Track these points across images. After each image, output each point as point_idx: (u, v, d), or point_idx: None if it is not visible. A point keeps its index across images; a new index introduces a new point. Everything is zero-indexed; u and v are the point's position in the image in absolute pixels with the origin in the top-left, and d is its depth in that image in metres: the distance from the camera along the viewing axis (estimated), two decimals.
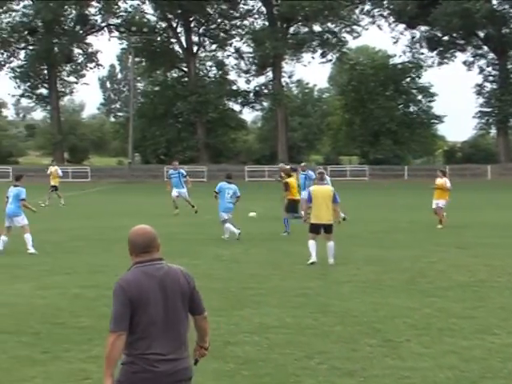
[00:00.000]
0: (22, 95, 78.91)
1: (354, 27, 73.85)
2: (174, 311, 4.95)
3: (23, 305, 11.44)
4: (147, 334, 4.86)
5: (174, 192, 28.83)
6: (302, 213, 15.84)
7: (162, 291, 4.91)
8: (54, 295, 12.29)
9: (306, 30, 74.67)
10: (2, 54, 75.62)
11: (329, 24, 73.92)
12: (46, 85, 77.61)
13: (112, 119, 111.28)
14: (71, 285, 13.27)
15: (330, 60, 76.52)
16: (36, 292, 12.56)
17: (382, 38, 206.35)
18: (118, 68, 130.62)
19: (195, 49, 76.16)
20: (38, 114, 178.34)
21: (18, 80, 76.43)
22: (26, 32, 74.82)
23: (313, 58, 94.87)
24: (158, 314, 4.89)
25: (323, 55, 75.23)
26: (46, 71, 76.85)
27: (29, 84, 77.17)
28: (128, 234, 5.02)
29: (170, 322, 4.93)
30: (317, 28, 74.53)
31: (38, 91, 78.59)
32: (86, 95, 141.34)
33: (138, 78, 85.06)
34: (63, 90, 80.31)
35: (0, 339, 9.41)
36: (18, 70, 76.13)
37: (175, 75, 79.66)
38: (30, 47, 76.03)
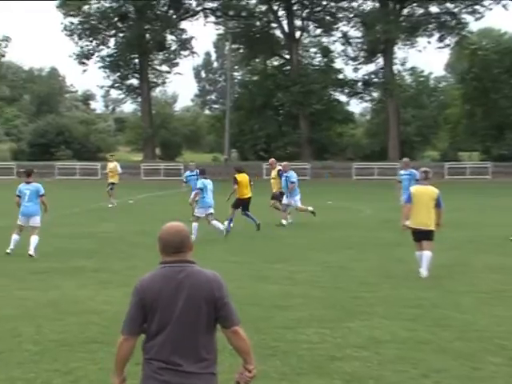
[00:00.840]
0: (112, 86, 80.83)
1: (476, 7, 72.31)
2: (190, 318, 4.96)
3: (113, 312, 11.70)
4: (156, 339, 4.96)
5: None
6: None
7: (179, 295, 4.96)
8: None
9: (422, 11, 73.61)
10: (91, 41, 77.71)
11: (447, 4, 72.67)
12: (136, 75, 79.24)
13: (207, 112, 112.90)
14: None
15: (448, 45, 75.26)
16: (126, 299, 12.76)
17: (509, 18, 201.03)
18: (213, 56, 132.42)
19: (298, 34, 76.18)
20: (128, 107, 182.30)
21: (107, 70, 78.38)
22: (116, 18, 76.68)
23: (429, 42, 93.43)
24: (169, 319, 4.95)
25: (441, 39, 74.04)
26: (136, 60, 78.50)
27: (119, 74, 78.97)
28: (159, 231, 5.19)
29: (184, 330, 4.95)
30: (434, 9, 73.42)
31: (129, 82, 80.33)
32: (179, 86, 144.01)
33: (236, 67, 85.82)
34: (155, 80, 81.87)
35: (89, 349, 9.67)
36: (108, 59, 78.05)
37: (276, 63, 79.96)
38: (121, 34, 77.81)
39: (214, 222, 21.75)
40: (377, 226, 25.12)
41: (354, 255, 18.48)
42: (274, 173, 26.94)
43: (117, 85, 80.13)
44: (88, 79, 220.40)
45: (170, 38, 78.97)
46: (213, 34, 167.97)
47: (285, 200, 25.21)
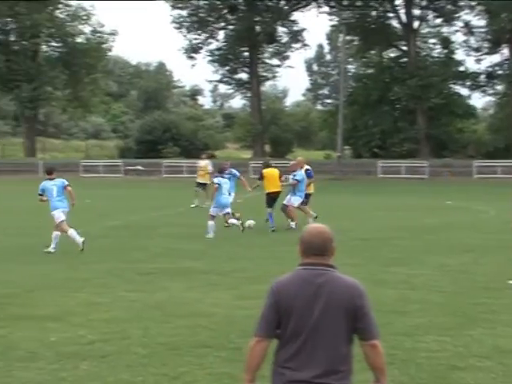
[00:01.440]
0: (220, 81, 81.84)
1: None
2: (327, 327, 4.90)
3: (222, 316, 11.83)
4: (289, 346, 4.92)
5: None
6: None
7: (317, 301, 4.91)
8: (256, 306, 12.57)
9: None
10: (200, 35, 78.84)
11: None
12: (246, 69, 79.93)
13: (319, 107, 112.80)
14: None
15: None
16: (236, 302, 12.94)
17: None
18: (326, 48, 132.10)
19: (416, 24, 75.22)
20: (237, 102, 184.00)
21: (216, 64, 79.39)
22: (225, 10, 77.52)
23: None
24: (305, 325, 4.90)
25: None
26: (246, 53, 79.14)
27: (227, 68, 79.86)
28: (302, 232, 5.13)
29: (320, 339, 4.89)
30: None
31: (238, 76, 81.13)
32: (290, 80, 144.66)
33: (350, 60, 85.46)
34: (265, 74, 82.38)
35: (197, 353, 9.79)
36: (217, 52, 79.02)
37: (392, 55, 79.27)
38: (230, 27, 78.61)
39: (231, 221, 22.86)
40: (500, 227, 24.55)
41: (475, 258, 18.13)
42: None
43: (225, 79, 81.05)
44: (196, 74, 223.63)
45: (280, 29, 79.41)
46: (326, 25, 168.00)
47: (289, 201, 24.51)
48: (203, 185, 33.88)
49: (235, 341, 10.31)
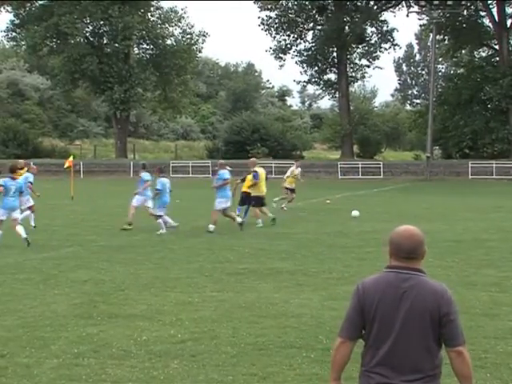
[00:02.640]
0: (309, 81, 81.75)
1: None
2: (412, 332, 4.83)
3: (311, 317, 11.83)
4: (374, 349, 4.88)
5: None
6: None
7: (401, 306, 4.84)
8: (345, 307, 12.54)
9: None
10: (288, 36, 78.97)
11: None
12: (334, 69, 79.73)
13: (408, 107, 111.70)
14: None
15: None
16: (324, 303, 12.92)
17: None
18: (416, 48, 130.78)
19: (509, 22, 73.75)
20: (325, 103, 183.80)
21: (304, 64, 79.39)
22: (314, 10, 77.46)
23: None
24: (389, 330, 4.83)
25: None
26: (335, 54, 78.93)
27: (316, 69, 79.77)
28: (392, 233, 5.05)
29: (405, 344, 4.83)
30: None
31: (326, 76, 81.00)
32: (379, 80, 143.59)
33: (440, 59, 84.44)
34: (354, 74, 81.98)
35: (286, 354, 9.81)
36: (305, 53, 79.02)
37: (484, 54, 77.96)
38: (319, 27, 78.54)
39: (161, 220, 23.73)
40: None
41: None
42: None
43: (314, 80, 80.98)
44: (284, 74, 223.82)
45: (370, 30, 78.98)
46: (415, 24, 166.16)
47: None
48: (292, 190, 33.33)
49: (324, 341, 10.32)
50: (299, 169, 34.02)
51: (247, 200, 26.06)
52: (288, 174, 33.43)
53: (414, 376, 4.81)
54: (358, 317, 4.92)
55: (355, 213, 28.65)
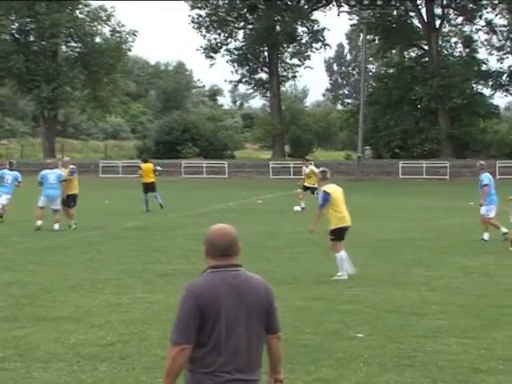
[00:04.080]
0: (240, 81, 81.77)
1: None
2: (250, 326, 4.97)
3: None
4: (218, 350, 4.90)
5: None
6: None
7: (238, 302, 4.95)
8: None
9: None
10: (219, 34, 78.92)
11: None
12: (265, 69, 79.90)
13: (339, 107, 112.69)
14: (294, 296, 13.58)
15: None
16: None
17: None
18: (346, 48, 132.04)
19: (438, 23, 74.91)
20: (257, 102, 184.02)
21: (235, 64, 79.39)
22: (245, 9, 77.56)
23: None
24: (231, 328, 4.92)
25: None
26: (266, 53, 79.14)
27: (247, 68, 79.83)
28: (206, 233, 5.15)
29: (244, 338, 4.95)
30: None
31: (257, 76, 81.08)
32: (310, 80, 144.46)
33: (370, 59, 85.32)
34: (285, 74, 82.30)
35: None
36: (236, 52, 79.04)
37: (413, 55, 79.04)
38: (249, 26, 78.67)
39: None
40: None
41: (496, 260, 18.06)
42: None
43: (245, 79, 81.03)
44: (215, 74, 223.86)
45: (300, 29, 79.29)
46: (346, 24, 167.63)
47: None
48: (310, 189, 32.73)
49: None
50: (310, 166, 33.49)
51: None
52: (303, 176, 33.89)
53: (253, 370, 4.99)
54: (196, 320, 4.90)
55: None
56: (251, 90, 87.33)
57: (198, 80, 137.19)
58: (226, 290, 4.94)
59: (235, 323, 4.93)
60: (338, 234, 15.67)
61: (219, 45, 79.29)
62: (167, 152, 74.84)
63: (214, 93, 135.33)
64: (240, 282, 4.98)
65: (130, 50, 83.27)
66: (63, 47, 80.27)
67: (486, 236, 21.59)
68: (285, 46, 79.62)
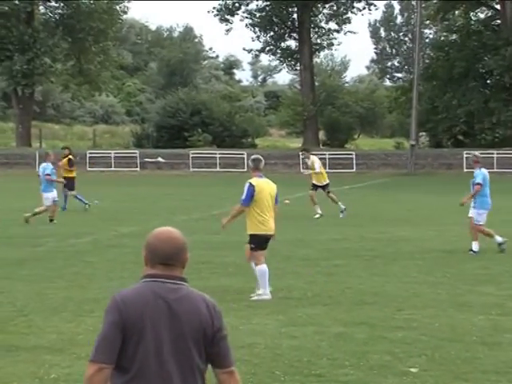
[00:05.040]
0: (263, 50, 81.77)
1: None
2: (183, 351, 5.03)
3: (265, 347, 11.86)
4: (143, 374, 4.98)
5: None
6: None
7: (170, 320, 5.02)
8: (308, 335, 12.64)
9: None
10: None
11: None
12: (294, 35, 79.81)
13: (387, 83, 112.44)
14: (331, 321, 13.60)
15: None
16: (282, 330, 12.97)
17: None
18: (396, 9, 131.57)
19: None
20: (283, 77, 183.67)
21: (257, 28, 79.33)
22: None
23: None
24: (157, 349, 4.99)
25: None
26: (295, 15, 79.01)
27: (272, 34, 79.77)
28: (148, 237, 5.23)
29: (175, 368, 5.01)
30: None
31: (285, 44, 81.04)
32: (351, 49, 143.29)
33: (427, 23, 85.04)
34: (319, 41, 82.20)
35: None
36: (258, 14, 78.99)
37: (482, 16, 78.67)
38: None
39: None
40: None
41: None
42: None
43: (269, 48, 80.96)
44: (232, 41, 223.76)
45: None
46: None
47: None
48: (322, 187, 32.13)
49: (281, 378, 10.36)
50: (311, 157, 32.44)
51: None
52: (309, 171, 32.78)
53: None
54: (119, 335, 4.99)
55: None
56: (277, 62, 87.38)
57: (210, 49, 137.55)
58: (154, 304, 5.03)
59: (157, 345, 5.00)
60: (259, 242, 15.75)
61: (237, 5, 79.30)
62: (172, 140, 74.99)
63: (231, 65, 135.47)
64: (177, 298, 5.07)
65: (125, 12, 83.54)
66: (41, 8, 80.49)
67: (474, 246, 21.70)
68: (319, 5, 79.59)
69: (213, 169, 65.44)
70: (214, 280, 17.42)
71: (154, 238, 5.18)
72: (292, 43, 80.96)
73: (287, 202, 37.38)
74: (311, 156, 32.48)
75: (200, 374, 5.12)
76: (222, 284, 16.98)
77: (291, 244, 23.18)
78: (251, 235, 15.72)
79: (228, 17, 79.74)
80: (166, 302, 5.04)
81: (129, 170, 65.66)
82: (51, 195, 28.56)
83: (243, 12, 79.65)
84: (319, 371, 10.71)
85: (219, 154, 67.50)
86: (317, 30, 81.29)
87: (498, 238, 21.78)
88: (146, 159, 68.05)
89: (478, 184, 21.93)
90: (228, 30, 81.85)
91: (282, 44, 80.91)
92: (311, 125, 78.59)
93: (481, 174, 22.15)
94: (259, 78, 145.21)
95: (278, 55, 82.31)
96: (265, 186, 16.03)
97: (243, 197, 15.86)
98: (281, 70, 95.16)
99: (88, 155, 68.53)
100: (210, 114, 78.28)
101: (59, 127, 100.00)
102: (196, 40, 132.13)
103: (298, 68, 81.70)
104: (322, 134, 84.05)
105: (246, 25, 79.83)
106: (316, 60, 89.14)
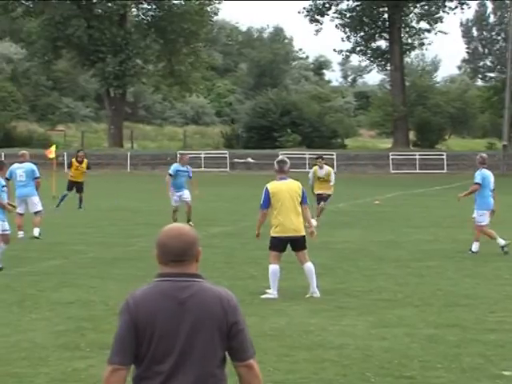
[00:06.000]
0: (353, 50, 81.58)
1: None
2: (197, 348, 5.04)
3: (355, 348, 11.83)
4: (154, 374, 5.03)
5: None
6: None
7: (182, 318, 5.04)
8: (399, 336, 12.57)
9: None
10: None
11: None
12: (385, 35, 79.49)
13: (479, 83, 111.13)
14: (422, 322, 13.53)
15: None
16: (372, 331, 12.92)
17: None
18: (489, 7, 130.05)
19: None
20: (374, 77, 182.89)
21: (347, 29, 79.18)
22: None
23: None
24: (170, 349, 5.02)
25: None
26: (386, 15, 78.66)
27: (362, 34, 79.58)
28: (158, 235, 5.25)
29: (189, 363, 5.03)
30: None
31: (375, 44, 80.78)
32: (442, 49, 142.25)
33: None
34: (410, 41, 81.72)
35: None
36: (348, 14, 78.82)
37: None
38: None
39: None
40: None
41: None
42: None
43: (359, 48, 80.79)
44: (322, 42, 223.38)
45: None
46: None
47: None
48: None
49: (372, 379, 10.32)
50: (326, 167, 30.06)
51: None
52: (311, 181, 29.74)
53: None
54: (132, 337, 5.05)
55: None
56: (367, 62, 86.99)
57: (300, 50, 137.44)
58: (165, 304, 5.08)
59: (171, 344, 5.05)
60: (275, 244, 15.88)
61: (327, 5, 79.21)
62: (261, 140, 75.14)
63: (320, 66, 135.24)
64: (188, 295, 5.10)
65: (216, 14, 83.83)
66: (133, 10, 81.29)
67: (474, 247, 21.76)
68: (410, 5, 79.08)
69: (302, 169, 65.37)
70: (302, 280, 17.37)
71: (164, 235, 5.23)
72: (382, 43, 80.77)
73: (378, 202, 37.32)
74: (325, 166, 29.89)
75: (218, 369, 5.16)
76: None
77: (382, 245, 23.14)
78: (271, 236, 15.92)
79: (318, 17, 79.71)
80: (176, 301, 5.08)
81: (219, 170, 65.97)
82: None
83: (333, 12, 79.65)
84: (410, 373, 10.65)
85: (308, 154, 67.39)
86: (408, 29, 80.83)
87: (501, 241, 21.71)
88: (236, 160, 68.34)
89: (476, 184, 22.14)
90: (318, 31, 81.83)
91: (373, 44, 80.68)
92: (401, 125, 78.20)
93: (480, 174, 22.25)
94: (349, 79, 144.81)
95: (369, 55, 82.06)
96: (283, 188, 15.82)
97: (261, 201, 16.08)
98: (371, 70, 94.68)
99: (178, 156, 68.93)
100: (300, 114, 78.26)
101: (150, 128, 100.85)
102: (286, 41, 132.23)
103: (389, 68, 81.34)
104: (412, 135, 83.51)
105: (336, 25, 79.80)
106: (406, 60, 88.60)
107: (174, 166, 28.47)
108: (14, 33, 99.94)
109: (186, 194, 28.05)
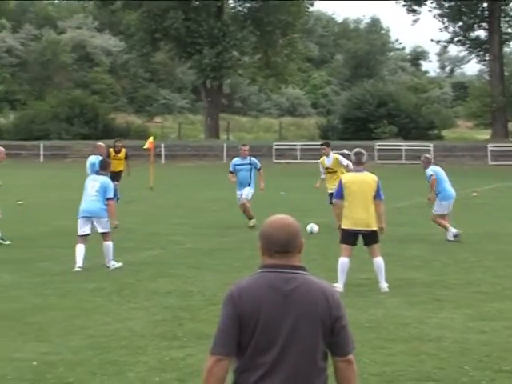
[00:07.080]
0: (451, 40, 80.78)
1: None
2: (300, 341, 5.02)
3: (453, 341, 11.75)
4: (256, 365, 5.02)
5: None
6: None
7: (287, 311, 5.02)
8: (498, 330, 12.44)
9: None
10: None
11: None
12: (484, 24, 78.50)
13: None
14: None
15: None
16: (470, 324, 12.82)
17: None
18: None
19: None
20: (472, 68, 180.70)
21: (445, 19, 78.43)
22: None
23: None
24: (274, 341, 5.01)
25: None
26: (485, 4, 77.67)
27: (460, 24, 78.71)
28: (262, 226, 5.28)
29: (291, 356, 5.01)
30: None
31: (474, 34, 79.84)
32: None
33: None
34: (510, 30, 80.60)
35: None
36: (446, 4, 78.00)
37: None
38: None
39: None
40: None
41: None
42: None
43: (458, 38, 79.97)
44: (419, 32, 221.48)
45: None
46: None
47: None
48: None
49: (470, 373, 10.24)
50: (332, 155, 26.43)
51: None
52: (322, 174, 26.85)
53: None
54: (235, 327, 5.07)
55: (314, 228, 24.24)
56: (465, 52, 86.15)
57: (397, 41, 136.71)
58: (270, 296, 5.09)
59: (274, 336, 5.06)
60: (345, 236, 15.77)
61: None
62: (357, 131, 74.83)
63: (417, 56, 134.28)
64: (293, 287, 5.10)
65: (312, 5, 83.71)
66: (230, 2, 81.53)
67: (449, 235, 22.22)
68: None
69: (398, 161, 65.02)
70: (399, 272, 17.33)
71: (269, 226, 5.25)
72: (481, 33, 79.74)
73: (475, 194, 36.94)
74: (331, 153, 26.34)
75: (319, 363, 5.15)
76: (409, 277, 16.90)
77: (481, 237, 22.95)
78: (342, 228, 15.80)
79: (416, 7, 79.06)
80: (281, 293, 5.09)
81: (314, 161, 65.58)
82: None
83: (431, 2, 78.88)
84: (510, 367, 10.54)
85: (405, 145, 67.01)
86: (507, 18, 79.70)
87: (453, 230, 22.13)
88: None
89: (431, 175, 22.20)
90: (415, 21, 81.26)
91: (471, 34, 79.71)
92: (500, 116, 77.14)
93: (430, 170, 22.42)
94: (446, 69, 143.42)
95: (467, 45, 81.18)
96: (356, 181, 15.81)
97: (334, 193, 16.26)
98: (469, 60, 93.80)
99: (274, 147, 69.17)
100: (397, 105, 77.74)
101: (246, 119, 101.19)
102: (383, 31, 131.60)
103: (487, 58, 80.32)
104: (511, 126, 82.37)
105: (434, 15, 79.11)
106: (506, 50, 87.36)
107: (234, 161, 25.88)
108: (114, 26, 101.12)
109: (246, 193, 25.06)
